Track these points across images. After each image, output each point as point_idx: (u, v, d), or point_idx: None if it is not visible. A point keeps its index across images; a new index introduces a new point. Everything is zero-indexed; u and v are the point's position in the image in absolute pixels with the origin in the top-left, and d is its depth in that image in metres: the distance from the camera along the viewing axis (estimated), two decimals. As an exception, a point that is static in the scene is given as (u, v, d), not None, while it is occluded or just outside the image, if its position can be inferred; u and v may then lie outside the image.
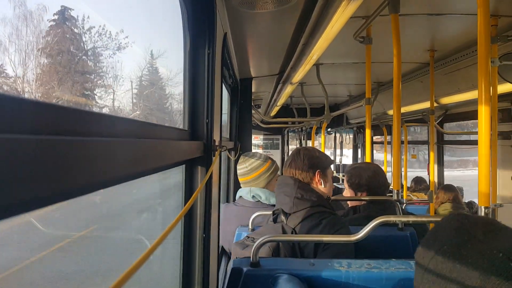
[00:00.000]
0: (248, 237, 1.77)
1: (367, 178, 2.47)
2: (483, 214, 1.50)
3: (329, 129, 8.39)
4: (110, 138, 0.45)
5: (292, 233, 1.70)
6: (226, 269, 2.37)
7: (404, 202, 4.27)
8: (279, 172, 2.62)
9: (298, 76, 2.97)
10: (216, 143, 1.19)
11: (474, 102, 3.50)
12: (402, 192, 2.62)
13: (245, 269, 1.41)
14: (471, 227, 0.83)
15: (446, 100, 3.71)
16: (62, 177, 0.35)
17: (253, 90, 3.43)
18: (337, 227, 1.69)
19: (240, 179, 2.53)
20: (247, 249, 1.66)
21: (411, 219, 1.68)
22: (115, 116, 0.53)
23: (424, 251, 0.88)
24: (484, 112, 1.53)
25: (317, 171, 1.87)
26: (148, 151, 0.59)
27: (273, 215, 1.82)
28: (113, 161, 0.45)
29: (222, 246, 2.72)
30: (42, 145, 0.32)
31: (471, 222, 0.85)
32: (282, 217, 1.76)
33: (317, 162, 1.90)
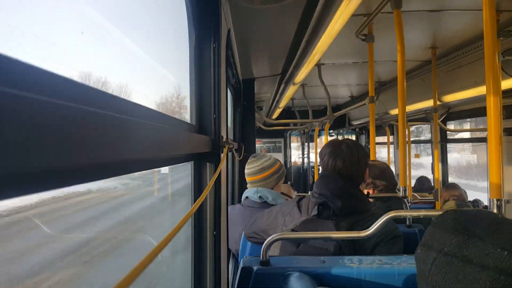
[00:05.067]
0: (294, 230, 1.63)
1: (374, 176, 2.46)
2: (495, 207, 1.47)
3: (331, 131, 8.39)
4: (122, 116, 0.43)
5: None
6: (234, 269, 2.35)
7: (409, 201, 4.25)
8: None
9: (300, 76, 2.96)
10: (224, 139, 1.17)
11: (477, 99, 3.51)
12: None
13: (255, 268, 1.39)
14: (470, 224, 0.80)
15: (449, 98, 3.70)
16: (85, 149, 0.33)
17: (255, 91, 3.42)
18: (394, 226, 1.64)
19: (249, 179, 2.49)
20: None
21: (421, 213, 1.66)
22: (131, 102, 0.52)
23: (425, 254, 0.84)
24: (492, 105, 1.51)
25: (366, 169, 1.78)
26: (158, 138, 0.57)
27: (318, 207, 1.65)
28: (123, 142, 0.43)
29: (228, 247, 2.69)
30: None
31: (468, 218, 0.82)
32: (331, 214, 1.63)
33: (367, 158, 1.80)
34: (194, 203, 1.04)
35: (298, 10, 1.67)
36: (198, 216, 1.04)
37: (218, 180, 1.07)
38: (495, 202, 1.47)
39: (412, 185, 5.15)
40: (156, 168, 0.65)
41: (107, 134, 0.39)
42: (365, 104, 2.96)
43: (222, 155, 1.10)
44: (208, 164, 1.03)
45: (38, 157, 0.28)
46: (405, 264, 1.40)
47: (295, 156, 10.66)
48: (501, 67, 2.53)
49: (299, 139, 10.23)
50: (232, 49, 1.90)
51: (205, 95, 1.06)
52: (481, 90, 3.11)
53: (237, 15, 1.61)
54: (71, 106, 0.32)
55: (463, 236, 0.78)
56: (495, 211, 1.48)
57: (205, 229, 1.05)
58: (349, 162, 1.70)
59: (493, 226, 0.78)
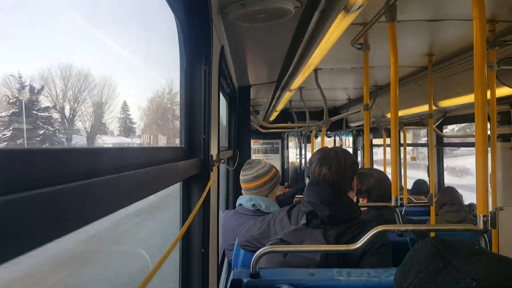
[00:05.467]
0: (282, 240, 1.65)
1: (369, 185, 2.48)
2: (481, 223, 1.50)
3: (328, 133, 8.39)
4: (112, 176, 0.47)
5: (335, 243, 1.60)
6: (227, 277, 2.38)
7: (404, 205, 4.27)
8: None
9: (296, 83, 2.98)
10: (214, 158, 1.19)
11: (472, 105, 3.51)
12: (402, 195, 2.61)
13: (245, 280, 1.41)
14: (447, 253, 0.82)
15: (445, 103, 3.72)
16: (65, 216, 0.37)
17: (251, 96, 3.43)
18: (381, 234, 1.62)
19: (243, 185, 2.50)
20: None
21: (409, 228, 1.68)
22: (115, 148, 0.55)
23: (402, 278, 0.87)
24: (481, 119, 1.54)
25: (355, 177, 1.80)
26: (147, 178, 0.60)
27: (307, 216, 1.67)
28: (115, 195, 0.47)
29: (224, 251, 2.71)
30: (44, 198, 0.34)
31: (447, 247, 0.84)
32: (319, 223, 1.64)
33: (355, 166, 1.81)
34: (183, 226, 1.07)
35: (292, 25, 1.69)
36: (186, 236, 1.06)
37: (206, 199, 1.10)
38: (482, 218, 1.49)
39: (410, 187, 5.18)
40: (143, 198, 0.68)
41: (102, 194, 0.43)
42: (360, 111, 2.98)
43: (211, 174, 1.12)
44: (197, 184, 1.06)
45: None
46: (393, 277, 1.43)
47: (293, 156, 10.68)
48: (495, 76, 2.56)
49: (296, 140, 10.24)
50: (227, 61, 1.91)
51: (195, 117, 1.08)
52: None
53: (231, 32, 1.62)
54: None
55: (438, 264, 0.81)
56: (481, 227, 1.50)
57: (193, 247, 1.08)
58: (336, 169, 1.71)
59: (469, 257, 0.80)
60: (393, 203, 2.24)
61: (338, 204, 1.67)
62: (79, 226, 0.41)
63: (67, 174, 0.39)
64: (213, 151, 1.21)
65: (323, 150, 1.83)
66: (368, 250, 1.63)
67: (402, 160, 5.20)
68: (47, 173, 0.37)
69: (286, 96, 3.68)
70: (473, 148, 1.60)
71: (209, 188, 1.03)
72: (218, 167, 1.22)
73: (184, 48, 1.07)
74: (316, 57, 2.05)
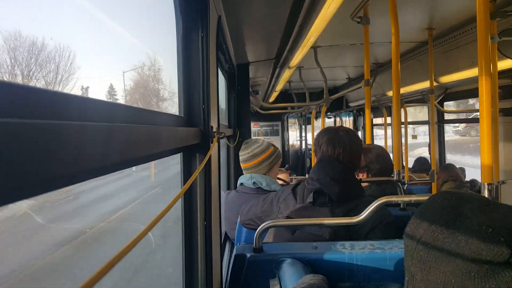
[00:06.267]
0: (289, 218, 1.62)
1: (369, 160, 2.47)
2: (486, 191, 1.48)
3: (328, 113, 8.36)
4: (102, 123, 0.44)
5: None
6: (230, 255, 2.38)
7: (406, 183, 4.27)
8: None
9: (295, 60, 2.94)
10: (214, 130, 1.17)
11: (474, 80, 3.48)
12: (403, 173, 2.61)
13: (248, 254, 1.41)
14: (459, 205, 0.82)
15: (446, 79, 3.68)
16: (49, 165, 0.34)
17: (250, 75, 3.39)
18: (387, 212, 1.67)
19: (242, 165, 2.51)
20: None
21: (413, 198, 1.67)
22: (106, 101, 0.51)
23: (412, 231, 0.86)
24: (484, 88, 1.51)
25: (362, 155, 1.82)
26: (142, 137, 0.57)
27: (313, 195, 1.65)
28: (105, 148, 0.44)
29: (226, 233, 2.72)
30: (25, 129, 0.30)
31: (458, 199, 0.84)
32: (326, 201, 1.63)
33: (362, 144, 1.84)
34: (183, 193, 1.05)
35: (290, -6, 1.65)
36: (188, 207, 1.05)
37: (207, 170, 1.08)
38: (486, 186, 1.48)
39: (411, 165, 5.18)
40: (141, 164, 0.66)
41: (93, 141, 0.40)
42: (361, 87, 2.95)
43: (211, 145, 1.10)
44: (197, 155, 1.04)
45: (43, 163, 0.33)
46: (397, 248, 1.42)
47: (293, 139, 10.67)
48: (497, 48, 2.52)
49: (296, 121, 10.22)
50: (224, 35, 1.87)
51: (193, 86, 1.05)
52: (477, 71, 3.09)
53: (227, 1, 1.58)
54: (61, 124, 0.35)
55: (451, 215, 0.81)
56: (486, 195, 1.49)
57: (195, 219, 1.06)
58: (349, 149, 1.72)
59: (481, 207, 0.80)
60: (395, 177, 2.23)
61: (347, 182, 1.68)
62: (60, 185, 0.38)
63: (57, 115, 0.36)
64: (213, 123, 1.18)
65: (331, 130, 1.82)
66: (374, 228, 1.63)
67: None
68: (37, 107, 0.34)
69: (286, 74, 3.65)
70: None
71: (209, 158, 1.01)
72: (218, 140, 1.19)
73: (179, 12, 1.03)
74: (315, 28, 2.01)
